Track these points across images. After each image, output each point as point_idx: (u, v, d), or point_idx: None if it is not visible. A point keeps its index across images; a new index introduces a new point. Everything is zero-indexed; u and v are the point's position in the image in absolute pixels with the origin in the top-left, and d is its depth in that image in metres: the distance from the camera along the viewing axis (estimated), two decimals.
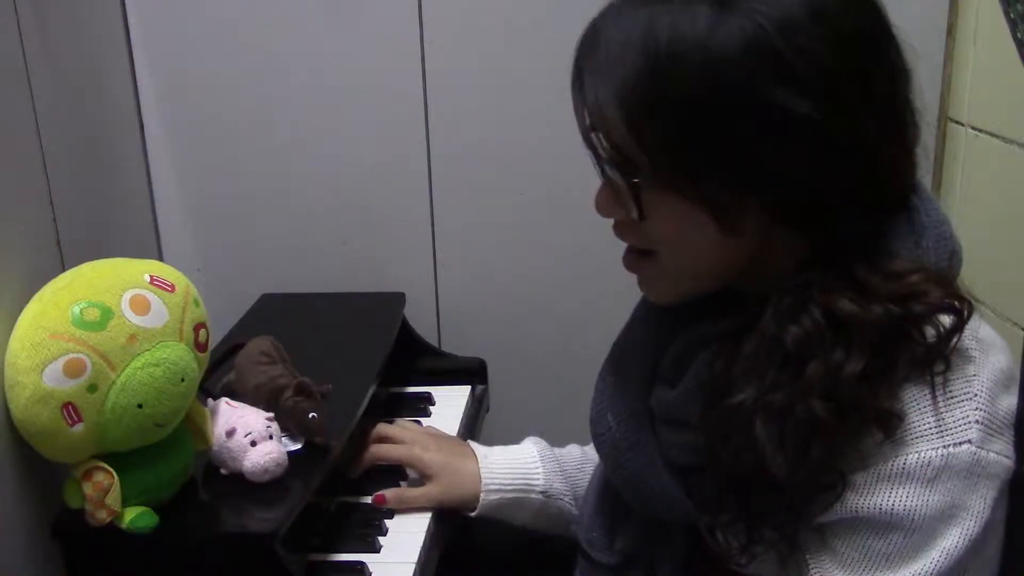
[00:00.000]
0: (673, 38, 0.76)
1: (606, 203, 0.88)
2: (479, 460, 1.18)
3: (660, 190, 0.81)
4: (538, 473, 1.17)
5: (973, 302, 0.81)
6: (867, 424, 0.78)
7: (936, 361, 0.79)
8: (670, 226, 0.83)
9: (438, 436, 1.26)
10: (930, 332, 0.79)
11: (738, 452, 0.81)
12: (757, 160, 0.78)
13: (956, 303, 0.80)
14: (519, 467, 1.18)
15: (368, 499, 1.17)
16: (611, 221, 0.90)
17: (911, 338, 0.79)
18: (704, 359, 0.87)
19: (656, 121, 0.78)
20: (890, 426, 0.78)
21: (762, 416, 0.79)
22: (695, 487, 0.89)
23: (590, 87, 0.81)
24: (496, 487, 1.16)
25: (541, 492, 1.16)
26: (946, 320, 0.79)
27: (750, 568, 0.90)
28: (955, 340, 0.79)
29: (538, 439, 1.22)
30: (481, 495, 1.15)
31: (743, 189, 0.79)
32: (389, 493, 1.17)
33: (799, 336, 0.79)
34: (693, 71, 0.76)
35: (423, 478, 1.18)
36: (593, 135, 0.84)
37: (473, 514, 1.16)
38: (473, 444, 1.22)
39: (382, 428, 1.24)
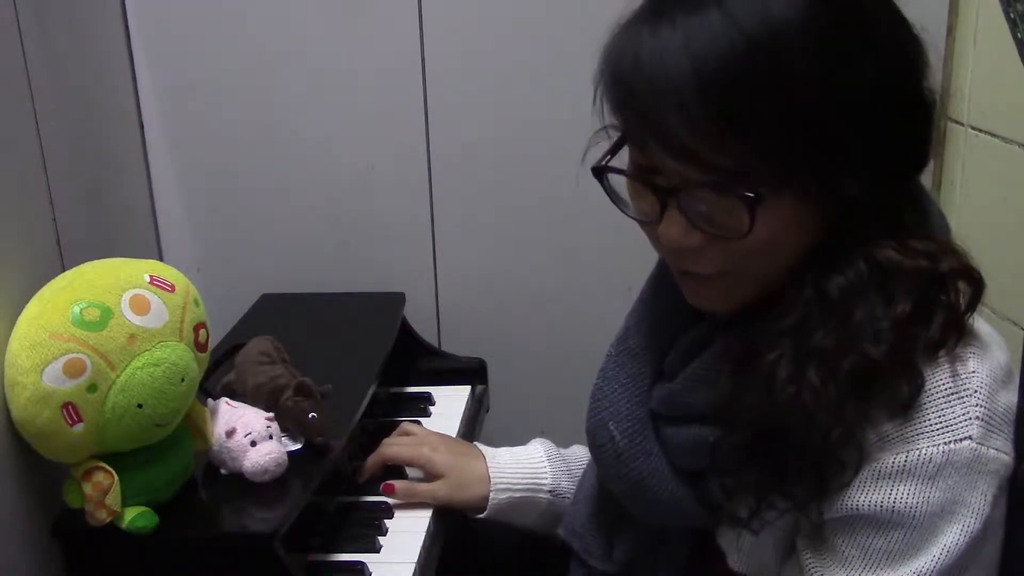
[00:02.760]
0: (761, 26, 0.74)
1: (682, 233, 0.80)
2: (487, 460, 1.18)
3: (773, 194, 0.77)
4: (545, 472, 1.17)
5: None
6: (902, 376, 0.79)
7: (958, 329, 0.80)
8: (772, 230, 0.79)
9: (445, 437, 1.26)
10: (954, 297, 0.81)
11: (776, 406, 0.80)
12: (861, 132, 0.78)
13: (974, 272, 0.82)
14: (527, 467, 1.18)
15: (368, 499, 1.18)
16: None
17: (940, 299, 0.80)
18: (720, 342, 0.87)
19: (768, 121, 0.75)
20: (915, 385, 0.79)
21: (814, 362, 0.80)
22: (716, 452, 0.88)
23: (675, 116, 0.75)
24: (505, 487, 1.16)
25: (549, 491, 1.17)
26: (966, 288, 0.81)
27: (752, 563, 0.90)
28: (976, 308, 0.81)
29: (544, 440, 1.22)
30: (490, 495, 1.15)
31: (847, 165, 0.78)
32: (399, 484, 1.18)
33: (844, 285, 0.80)
34: (794, 52, 0.74)
35: (432, 478, 1.19)
36: (674, 165, 0.78)
37: (483, 515, 1.16)
38: (480, 445, 1.22)
39: (388, 439, 1.25)
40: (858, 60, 0.77)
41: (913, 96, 0.81)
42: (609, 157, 0.86)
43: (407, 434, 1.25)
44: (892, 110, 0.79)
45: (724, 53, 0.74)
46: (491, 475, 1.16)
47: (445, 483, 1.17)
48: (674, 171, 0.79)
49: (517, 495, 1.16)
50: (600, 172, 0.86)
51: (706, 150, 0.76)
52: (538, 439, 1.23)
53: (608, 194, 0.87)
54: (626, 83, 0.79)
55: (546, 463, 1.18)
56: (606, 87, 0.82)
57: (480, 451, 1.20)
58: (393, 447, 1.22)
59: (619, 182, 0.86)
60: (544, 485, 1.17)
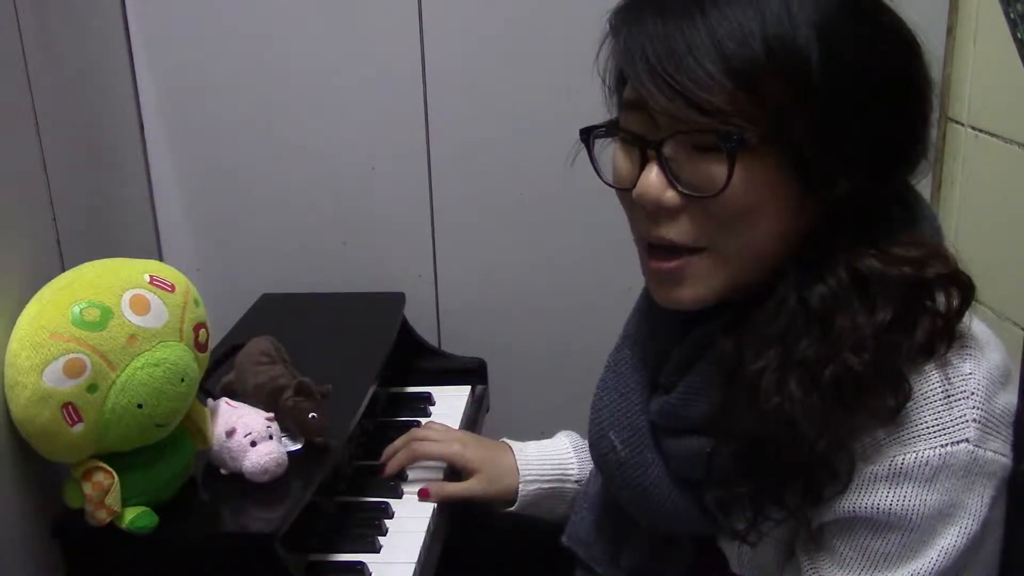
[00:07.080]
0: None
1: (660, 187, 0.81)
2: (515, 453, 1.19)
3: (756, 153, 0.78)
4: (572, 463, 1.18)
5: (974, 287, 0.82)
6: (887, 385, 0.78)
7: (947, 335, 0.80)
8: (749, 196, 0.79)
9: (470, 433, 1.28)
10: (941, 301, 0.81)
11: (763, 416, 0.80)
12: (860, 114, 0.79)
13: (963, 277, 0.81)
14: (554, 458, 1.19)
15: (368, 499, 1.18)
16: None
17: (926, 306, 0.80)
18: (711, 354, 0.87)
19: (778, 82, 0.76)
20: (902, 393, 0.78)
21: (796, 373, 0.80)
22: (712, 461, 0.88)
23: (682, 59, 0.77)
24: (533, 478, 1.17)
25: (576, 481, 1.17)
26: (954, 294, 0.81)
27: (754, 567, 0.90)
28: (964, 315, 0.81)
29: (570, 432, 1.23)
30: (519, 487, 1.16)
31: (837, 146, 0.79)
32: (432, 486, 1.18)
33: (825, 294, 0.80)
34: (814, 27, 0.77)
35: (464, 474, 1.19)
36: (667, 106, 0.78)
37: (513, 508, 1.17)
38: (506, 440, 1.23)
39: (415, 430, 1.26)
40: (860, 38, 0.78)
41: (908, 79, 0.82)
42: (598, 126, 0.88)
43: (426, 434, 1.25)
44: (887, 87, 0.80)
45: (743, 25, 0.76)
46: (519, 467, 1.17)
47: (479, 478, 1.19)
48: (664, 116, 0.79)
49: (546, 486, 1.17)
50: (587, 132, 0.87)
51: (725, 91, 0.76)
52: (564, 431, 1.24)
53: (591, 161, 0.88)
54: (641, 36, 0.79)
55: (572, 453, 1.19)
56: (619, 37, 0.82)
57: (507, 445, 1.21)
58: (425, 444, 1.22)
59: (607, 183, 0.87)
60: (571, 475, 1.18)
